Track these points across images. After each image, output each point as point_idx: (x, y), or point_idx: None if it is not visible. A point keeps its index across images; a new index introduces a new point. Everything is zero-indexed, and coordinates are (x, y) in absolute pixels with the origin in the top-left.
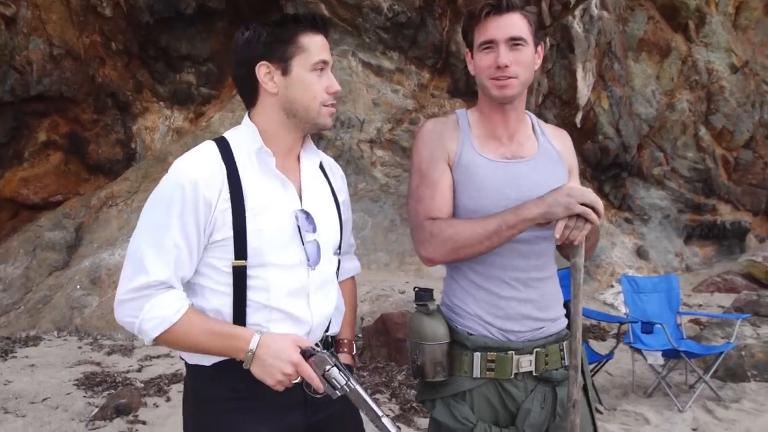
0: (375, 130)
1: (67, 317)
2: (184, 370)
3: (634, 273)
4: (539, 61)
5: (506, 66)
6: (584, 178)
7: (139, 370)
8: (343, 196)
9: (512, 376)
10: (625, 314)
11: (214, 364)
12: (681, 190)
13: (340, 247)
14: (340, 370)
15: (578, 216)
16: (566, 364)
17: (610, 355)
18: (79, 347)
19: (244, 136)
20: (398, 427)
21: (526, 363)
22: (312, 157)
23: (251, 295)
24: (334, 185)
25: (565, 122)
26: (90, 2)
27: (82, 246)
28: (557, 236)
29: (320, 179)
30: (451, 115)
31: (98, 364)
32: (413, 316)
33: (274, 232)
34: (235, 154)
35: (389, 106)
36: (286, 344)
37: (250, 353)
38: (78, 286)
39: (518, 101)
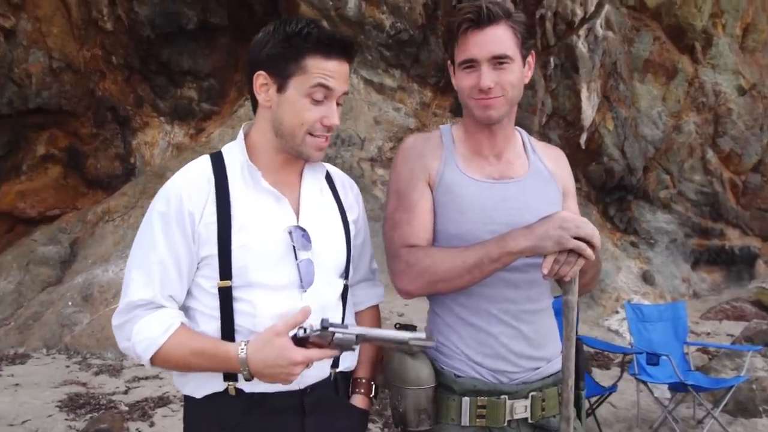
0: (376, 149)
1: (57, 335)
2: (171, 393)
3: (639, 299)
4: (530, 74)
5: (489, 88)
6: (588, 200)
7: (125, 392)
8: (355, 214)
9: (505, 424)
10: (629, 344)
11: (204, 396)
12: (688, 214)
13: (347, 270)
14: (343, 332)
15: (571, 250)
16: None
17: (613, 388)
18: (67, 366)
19: (234, 149)
20: (429, 336)
21: (521, 409)
22: (316, 173)
23: (238, 320)
24: (344, 202)
25: (569, 143)
26: (91, 16)
27: (76, 262)
28: (545, 271)
29: (326, 195)
30: (434, 131)
31: (84, 384)
32: (394, 356)
33: (261, 249)
34: (227, 168)
35: (390, 124)
36: (278, 344)
37: (245, 372)
38: (69, 303)
39: (506, 119)
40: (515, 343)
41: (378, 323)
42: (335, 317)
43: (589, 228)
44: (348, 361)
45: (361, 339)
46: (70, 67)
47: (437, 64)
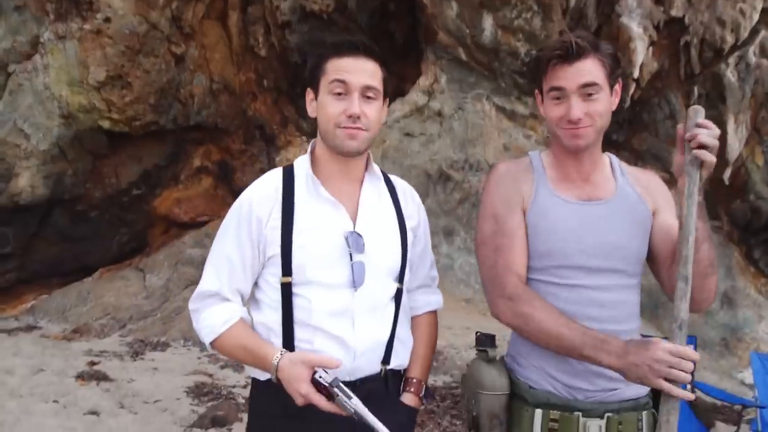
0: None
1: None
2: None
3: None
4: (616, 100)
5: (579, 119)
6: (730, 240)
7: (244, 387)
8: (415, 222)
9: None
10: (753, 397)
11: (268, 379)
12: None
13: (402, 274)
14: (344, 399)
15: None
16: None
17: None
18: (198, 357)
19: (302, 161)
20: None
21: (595, 428)
22: (375, 182)
23: (296, 313)
24: (404, 210)
25: (710, 178)
26: (249, 43)
27: None
28: None
29: (385, 203)
30: (524, 158)
31: (210, 375)
32: (473, 362)
33: (317, 250)
34: (296, 178)
35: (520, 151)
36: (296, 372)
37: (273, 376)
38: None
39: (594, 145)
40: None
41: (434, 329)
42: (386, 316)
43: (688, 353)
44: (399, 358)
45: (357, 416)
46: (227, 89)
47: None
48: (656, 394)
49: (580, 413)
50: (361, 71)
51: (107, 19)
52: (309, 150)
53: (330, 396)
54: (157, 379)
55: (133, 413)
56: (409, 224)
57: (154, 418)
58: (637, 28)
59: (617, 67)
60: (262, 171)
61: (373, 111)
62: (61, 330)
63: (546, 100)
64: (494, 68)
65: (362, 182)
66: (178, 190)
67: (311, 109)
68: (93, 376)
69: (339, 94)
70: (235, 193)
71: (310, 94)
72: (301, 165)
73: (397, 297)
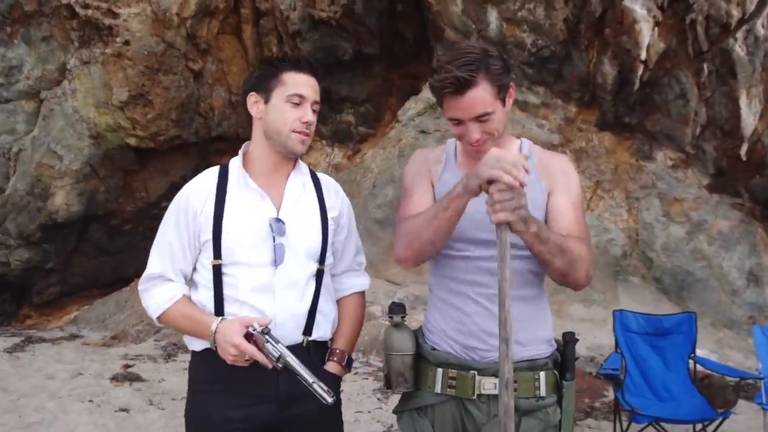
0: None
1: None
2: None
3: None
4: (510, 101)
5: (477, 140)
6: (752, 216)
7: None
8: (336, 213)
9: (474, 397)
10: (757, 370)
11: (202, 349)
12: None
13: (323, 256)
14: (273, 344)
15: (510, 190)
16: (541, 395)
17: (726, 414)
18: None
19: (236, 160)
20: (331, 393)
21: (490, 386)
22: (300, 176)
23: (226, 290)
24: (327, 202)
25: (727, 154)
26: (263, 55)
27: None
28: (490, 217)
29: (309, 195)
30: (442, 145)
31: None
32: (386, 329)
33: (244, 235)
34: (230, 174)
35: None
36: (232, 328)
37: (211, 337)
38: None
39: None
40: (487, 322)
41: (360, 309)
42: (306, 293)
43: (511, 157)
44: (321, 330)
45: (281, 360)
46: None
47: (580, 79)
48: (562, 360)
49: (476, 372)
50: (311, 87)
51: (126, 42)
52: (242, 152)
53: (259, 349)
54: (186, 377)
55: (161, 409)
56: (330, 214)
57: (179, 413)
58: (640, 10)
59: (506, 75)
60: None
61: (315, 121)
62: (101, 337)
63: (449, 120)
64: None
65: (288, 177)
66: None
67: (256, 110)
68: (126, 377)
69: (296, 103)
70: None
71: (254, 97)
72: (235, 163)
73: (318, 276)
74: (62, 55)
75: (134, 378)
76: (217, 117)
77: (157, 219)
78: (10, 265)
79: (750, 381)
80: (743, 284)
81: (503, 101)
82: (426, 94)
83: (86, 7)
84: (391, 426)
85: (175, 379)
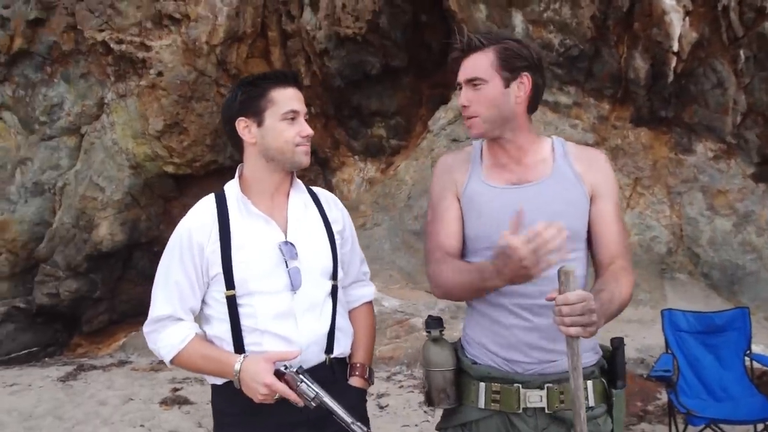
0: None
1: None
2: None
3: None
4: (521, 94)
5: (465, 106)
6: None
7: None
8: (340, 226)
9: (520, 411)
10: None
11: (225, 382)
12: None
13: (335, 272)
14: (308, 384)
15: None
16: (590, 404)
17: None
18: None
19: (232, 185)
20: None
21: (536, 398)
22: (300, 194)
23: (243, 321)
24: (329, 216)
25: None
26: None
27: None
28: (560, 329)
29: (311, 212)
30: (467, 148)
31: None
32: (424, 344)
33: (256, 263)
34: (228, 202)
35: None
36: (260, 367)
37: (236, 376)
38: None
39: (510, 133)
40: (527, 334)
41: (371, 318)
42: (325, 312)
43: (547, 249)
44: (341, 347)
45: (317, 400)
46: None
47: (612, 76)
48: (611, 367)
49: (520, 385)
50: (300, 99)
51: (160, 73)
52: (237, 174)
53: (290, 387)
54: (207, 387)
55: (188, 410)
56: (335, 228)
57: (205, 411)
58: (669, 1)
59: (519, 60)
60: None
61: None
62: (149, 362)
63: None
64: None
65: (288, 196)
66: None
67: (249, 136)
68: (175, 401)
69: (291, 119)
70: None
71: (244, 122)
72: (232, 188)
73: (333, 293)
74: (100, 90)
75: (183, 401)
76: None
77: None
78: (60, 296)
79: None
80: None
81: (506, 82)
82: (455, 103)
83: (120, 42)
84: None
85: (197, 388)
